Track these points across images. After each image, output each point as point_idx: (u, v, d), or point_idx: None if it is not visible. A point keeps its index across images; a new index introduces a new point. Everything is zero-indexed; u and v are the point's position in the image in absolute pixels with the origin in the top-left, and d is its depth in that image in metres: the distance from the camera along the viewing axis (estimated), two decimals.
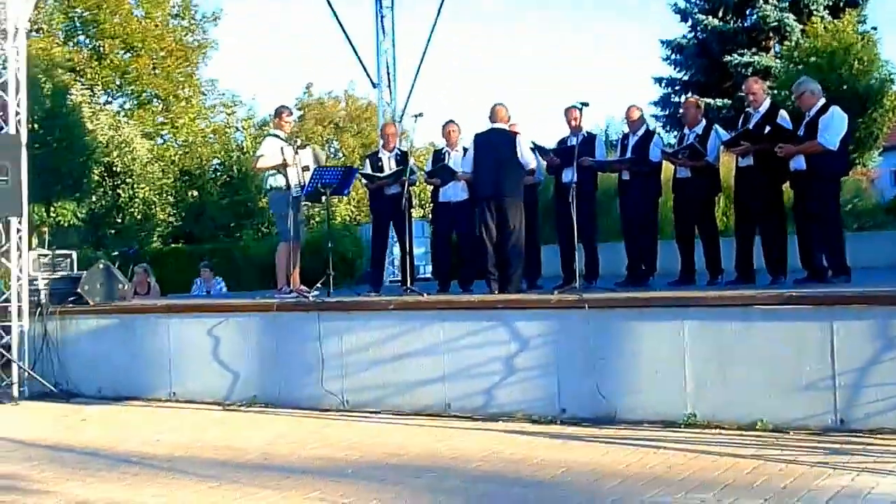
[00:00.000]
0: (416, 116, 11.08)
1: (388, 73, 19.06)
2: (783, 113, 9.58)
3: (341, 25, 18.26)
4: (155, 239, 26.05)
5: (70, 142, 23.80)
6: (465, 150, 11.26)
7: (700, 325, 7.77)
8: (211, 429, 8.83)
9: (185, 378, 10.47)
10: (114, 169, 25.97)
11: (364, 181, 11.63)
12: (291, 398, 9.70)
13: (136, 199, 25.79)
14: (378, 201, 11.71)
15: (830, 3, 29.68)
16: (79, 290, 11.42)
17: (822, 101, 9.20)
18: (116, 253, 17.11)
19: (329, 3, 18.06)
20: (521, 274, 10.26)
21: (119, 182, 25.93)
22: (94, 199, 25.26)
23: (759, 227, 9.74)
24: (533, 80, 72.10)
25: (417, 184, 12.21)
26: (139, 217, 25.80)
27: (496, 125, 10.45)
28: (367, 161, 11.96)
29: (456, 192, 11.18)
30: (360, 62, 18.85)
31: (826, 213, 9.08)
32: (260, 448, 7.70)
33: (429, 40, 18.66)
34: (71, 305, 11.48)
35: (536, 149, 10.93)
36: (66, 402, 10.74)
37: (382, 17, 18.97)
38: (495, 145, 10.33)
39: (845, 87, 21.36)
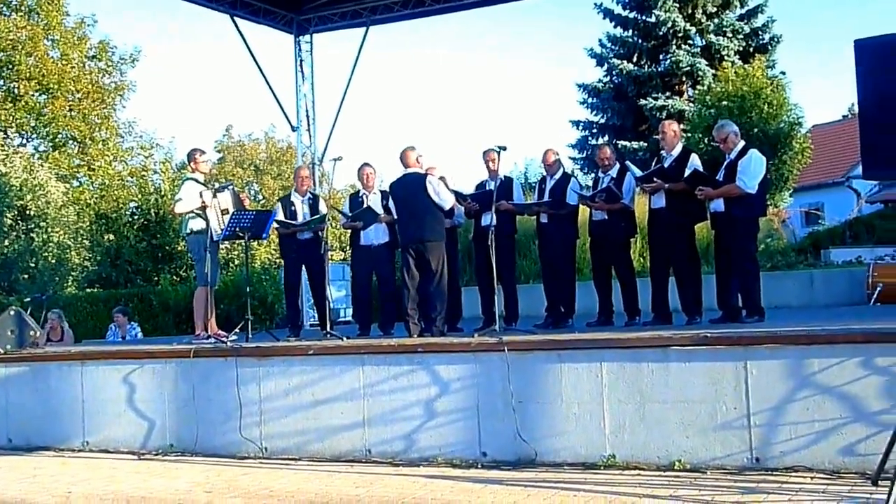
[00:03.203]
0: (335, 160, 10.99)
1: (308, 117, 19.03)
2: (695, 157, 9.80)
3: (260, 69, 18.21)
4: (70, 283, 25.51)
5: None
6: (382, 192, 11.32)
7: (618, 367, 7.84)
8: (125, 479, 8.61)
9: (99, 427, 10.23)
10: (27, 212, 25.42)
11: (277, 227, 11.52)
12: (209, 446, 9.53)
13: (51, 244, 25.23)
14: (289, 246, 11.63)
15: (741, 49, 30.53)
16: None
17: (742, 143, 9.44)
18: (29, 299, 16.72)
19: (248, 45, 18.00)
20: (444, 317, 10.27)
21: (33, 226, 25.37)
22: (6, 243, 24.68)
23: (674, 269, 9.90)
24: (452, 123, 72.62)
25: (331, 227, 12.12)
26: (53, 261, 25.24)
27: (409, 170, 10.52)
28: (280, 204, 11.88)
29: (377, 234, 11.20)
30: (280, 105, 18.79)
31: (743, 254, 9.28)
32: (176, 498, 7.56)
33: (348, 84, 18.71)
34: None
35: (455, 194, 10.94)
36: None
37: (301, 60, 18.98)
38: (408, 190, 10.40)
39: (756, 129, 21.91)
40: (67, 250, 25.44)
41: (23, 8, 32.42)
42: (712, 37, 30.58)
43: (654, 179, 9.74)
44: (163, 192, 27.47)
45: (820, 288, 15.90)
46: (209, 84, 70.93)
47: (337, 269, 18.64)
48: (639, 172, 10.12)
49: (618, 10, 32.22)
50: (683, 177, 9.50)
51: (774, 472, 7.10)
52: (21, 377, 10.87)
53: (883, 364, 6.94)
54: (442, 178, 10.69)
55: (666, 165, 9.83)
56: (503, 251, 10.17)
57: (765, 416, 7.29)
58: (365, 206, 11.13)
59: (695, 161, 9.70)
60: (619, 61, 31.58)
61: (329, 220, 11.16)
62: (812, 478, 6.89)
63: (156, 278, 25.69)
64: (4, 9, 32.34)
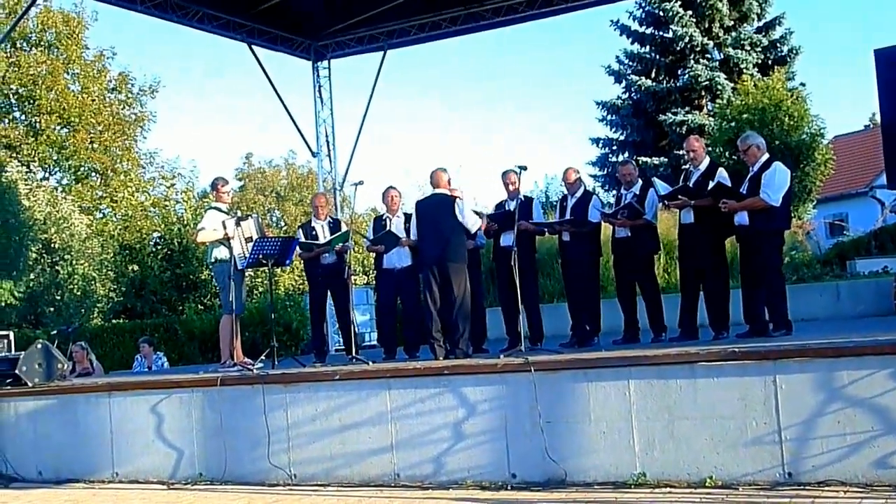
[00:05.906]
0: (356, 184, 11.04)
1: (328, 142, 19.10)
2: (722, 171, 9.74)
3: (279, 95, 18.29)
4: (95, 315, 25.64)
5: (6, 219, 23.47)
6: (406, 215, 11.30)
7: (646, 384, 7.79)
8: None
9: (129, 458, 10.23)
10: (52, 245, 25.60)
11: (299, 251, 11.56)
12: (238, 474, 9.52)
13: (76, 276, 25.37)
14: (313, 271, 11.68)
15: (759, 62, 30.42)
16: (17, 372, 11.14)
17: (766, 156, 9.37)
18: (55, 332, 16.78)
19: (266, 73, 18.10)
20: (468, 338, 10.23)
21: (57, 259, 25.53)
22: (31, 276, 24.84)
23: (704, 284, 9.82)
24: (471, 144, 72.68)
25: (354, 251, 12.13)
26: (79, 293, 25.39)
27: (437, 191, 10.51)
28: (301, 231, 11.94)
29: (400, 258, 11.19)
30: (299, 131, 18.87)
31: (769, 268, 9.20)
32: None
33: (367, 107, 18.78)
34: (9, 388, 11.19)
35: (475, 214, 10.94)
36: (5, 488, 10.45)
37: (320, 86, 19.07)
38: (436, 211, 10.37)
39: (777, 142, 21.81)
40: (92, 282, 25.59)
41: (42, 43, 32.76)
42: (730, 50, 30.49)
43: (679, 197, 9.71)
44: (185, 222, 27.61)
45: (846, 299, 15.80)
46: (229, 112, 71.36)
47: (361, 294, 18.65)
48: (664, 188, 10.06)
49: (634, 26, 32.21)
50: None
51: (807, 487, 7.03)
52: (49, 410, 10.90)
53: None
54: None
55: (692, 181, 9.79)
56: (525, 271, 10.15)
57: (796, 431, 7.22)
58: (387, 229, 11.14)
59: (722, 175, 9.63)
60: (637, 77, 31.53)
61: (352, 243, 11.14)
62: (845, 492, 6.82)
63: (180, 307, 25.79)
64: (24, 44, 32.69)
